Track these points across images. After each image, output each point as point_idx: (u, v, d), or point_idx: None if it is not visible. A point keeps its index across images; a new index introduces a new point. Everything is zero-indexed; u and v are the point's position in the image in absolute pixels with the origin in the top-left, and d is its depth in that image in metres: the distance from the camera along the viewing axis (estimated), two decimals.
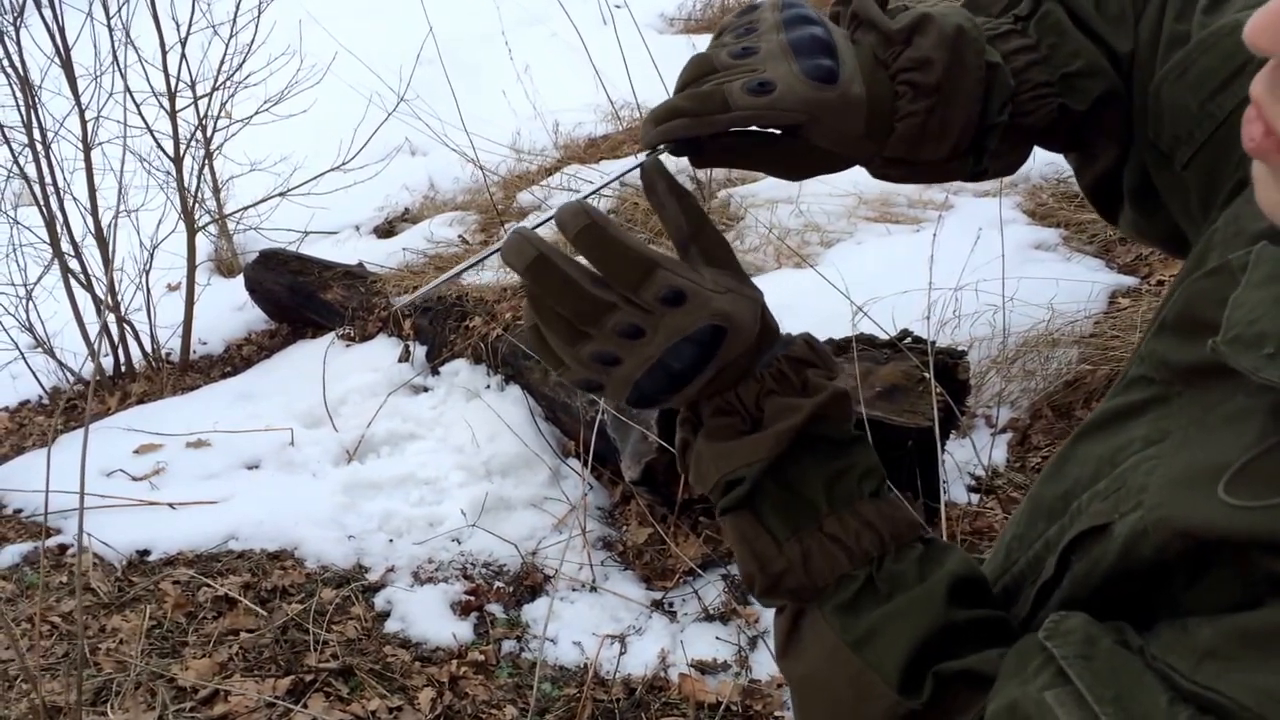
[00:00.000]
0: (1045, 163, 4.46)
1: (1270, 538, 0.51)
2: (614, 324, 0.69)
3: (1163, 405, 0.64)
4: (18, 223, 4.74)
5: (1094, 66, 0.80)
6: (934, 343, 2.86)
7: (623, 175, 0.83)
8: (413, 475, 3.44)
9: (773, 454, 0.69)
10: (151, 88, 4.66)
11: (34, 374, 4.68)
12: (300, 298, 4.74)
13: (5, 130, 4.58)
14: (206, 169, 5.09)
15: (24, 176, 4.62)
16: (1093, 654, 0.54)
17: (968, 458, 3.14)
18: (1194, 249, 0.69)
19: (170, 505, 3.36)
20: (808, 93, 0.75)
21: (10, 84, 4.53)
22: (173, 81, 4.67)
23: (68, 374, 4.71)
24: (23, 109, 4.52)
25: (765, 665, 2.64)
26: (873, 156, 0.81)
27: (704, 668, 2.64)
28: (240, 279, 5.07)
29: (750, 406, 0.71)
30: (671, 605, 2.87)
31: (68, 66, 4.58)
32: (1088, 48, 0.81)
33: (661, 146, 0.78)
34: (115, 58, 4.62)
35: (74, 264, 4.62)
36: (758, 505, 0.70)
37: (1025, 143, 0.83)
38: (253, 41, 4.83)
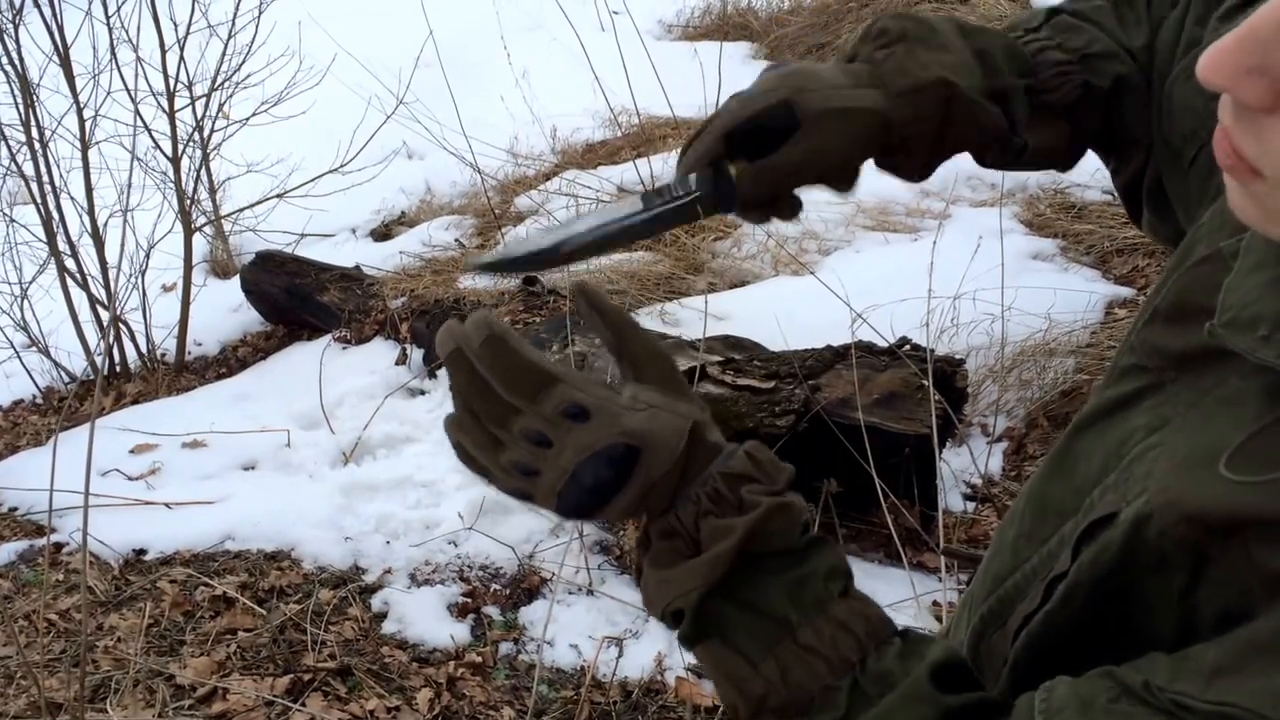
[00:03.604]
0: (1043, 173, 4.48)
1: (1271, 514, 0.53)
2: (520, 429, 0.69)
3: (1158, 393, 0.66)
4: (14, 221, 4.73)
5: (1111, 51, 0.85)
6: (932, 350, 2.88)
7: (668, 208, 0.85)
8: (410, 478, 3.44)
9: (709, 581, 0.67)
10: (150, 87, 4.66)
11: (28, 373, 4.67)
12: (297, 300, 4.74)
13: (3, 128, 4.57)
14: (204, 170, 5.09)
15: (21, 174, 4.61)
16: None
17: (964, 466, 3.16)
18: (1183, 242, 0.71)
19: (167, 505, 3.36)
20: None
21: (9, 82, 4.52)
22: (171, 82, 4.66)
23: (62, 373, 4.70)
24: (21, 107, 4.51)
25: None
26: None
27: (700, 671, 2.64)
28: (236, 280, 5.06)
29: (690, 529, 0.69)
30: None
31: (66, 64, 4.57)
32: (1103, 36, 0.85)
33: (694, 185, 0.82)
34: (114, 56, 4.62)
35: (70, 263, 4.61)
36: (725, 630, 0.68)
37: (1058, 121, 0.86)
38: (252, 42, 4.83)
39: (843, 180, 0.84)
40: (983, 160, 0.87)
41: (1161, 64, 0.84)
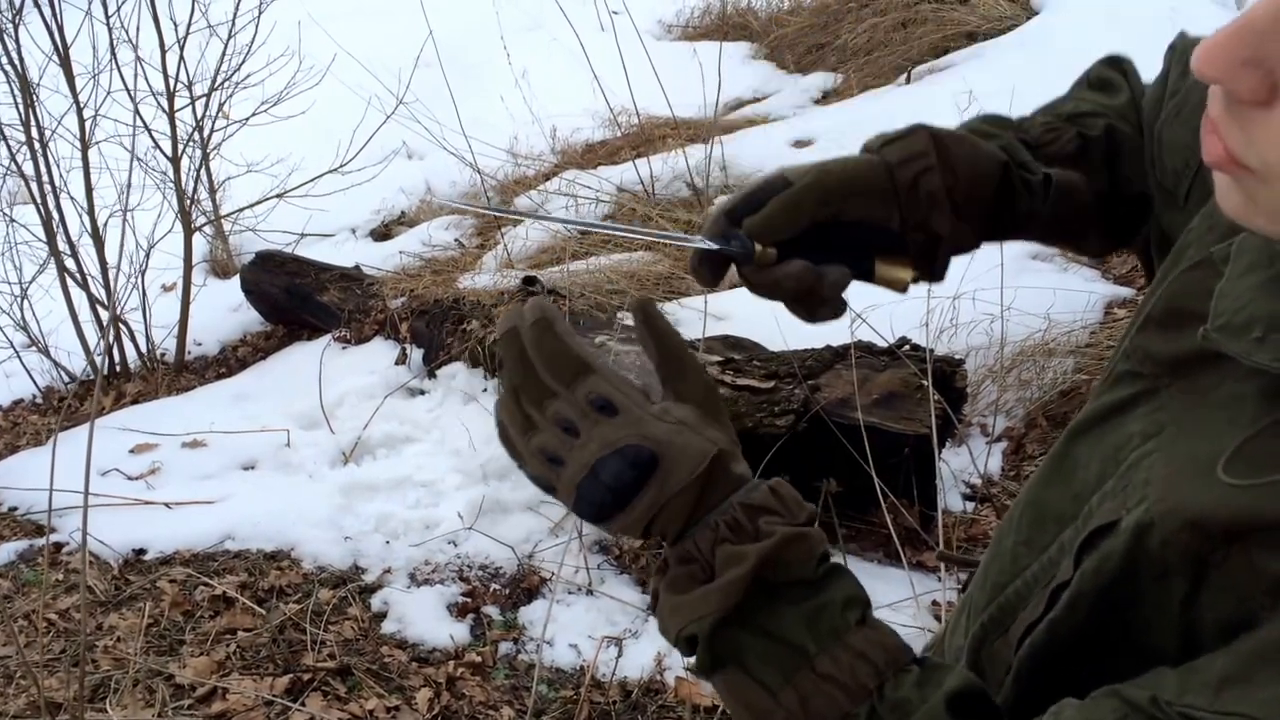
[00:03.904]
0: None
1: (1272, 518, 0.53)
2: (553, 413, 0.71)
3: (1153, 398, 0.66)
4: (14, 221, 4.73)
5: (1096, 110, 0.89)
6: (932, 350, 2.88)
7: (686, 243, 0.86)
8: (409, 478, 3.44)
9: (723, 607, 0.68)
10: (150, 87, 4.66)
11: (28, 373, 4.67)
12: (297, 299, 4.74)
13: (3, 128, 4.57)
14: (204, 170, 5.09)
15: (21, 174, 4.61)
16: None
17: (963, 466, 3.16)
18: (1173, 249, 0.72)
19: (166, 505, 3.36)
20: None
21: (9, 81, 4.53)
22: (171, 82, 4.67)
23: (62, 373, 4.70)
24: (21, 107, 4.52)
25: None
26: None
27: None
28: (236, 280, 5.06)
29: (706, 555, 0.70)
30: None
31: (66, 64, 4.58)
32: (1085, 102, 0.90)
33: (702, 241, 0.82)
34: (114, 56, 4.62)
35: (70, 263, 4.62)
36: (742, 658, 0.68)
37: (1069, 168, 0.87)
38: (252, 42, 4.83)
39: (877, 228, 0.84)
40: (1017, 224, 0.87)
41: (1149, 118, 0.86)
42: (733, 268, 0.84)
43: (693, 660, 0.71)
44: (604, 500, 0.71)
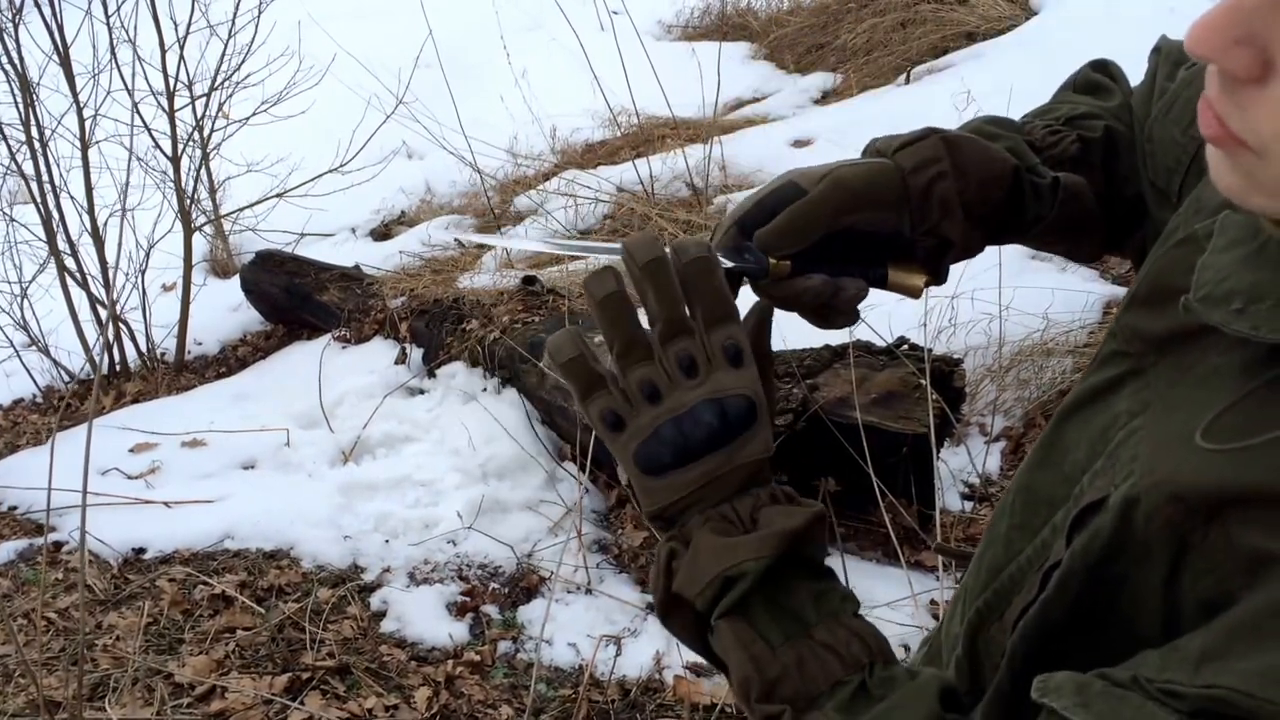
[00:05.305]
0: None
1: (1248, 487, 0.53)
2: (679, 349, 0.72)
3: (1139, 377, 0.66)
4: (14, 220, 4.74)
5: (1094, 112, 0.90)
6: (930, 350, 2.88)
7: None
8: (409, 477, 3.45)
9: (777, 552, 0.69)
10: (150, 87, 4.67)
11: (28, 372, 4.68)
12: (296, 299, 4.74)
13: (3, 127, 4.58)
14: (203, 169, 5.10)
15: (21, 174, 4.62)
16: (1088, 700, 0.55)
17: (962, 465, 3.16)
18: (1164, 232, 0.73)
19: (166, 504, 3.36)
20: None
21: (9, 81, 4.53)
22: (171, 81, 4.67)
23: (62, 372, 4.71)
24: (20, 106, 4.52)
25: None
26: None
27: (699, 670, 2.65)
28: (236, 280, 5.07)
29: (746, 519, 0.72)
30: None
31: (66, 64, 4.58)
32: (1081, 105, 0.91)
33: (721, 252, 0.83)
34: (114, 56, 4.63)
35: (70, 262, 4.62)
36: (751, 613, 0.70)
37: (1072, 172, 0.88)
38: (252, 42, 4.84)
39: (886, 232, 0.84)
40: (1022, 228, 0.87)
41: (1140, 118, 0.87)
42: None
43: (702, 602, 0.71)
44: (676, 450, 0.71)
